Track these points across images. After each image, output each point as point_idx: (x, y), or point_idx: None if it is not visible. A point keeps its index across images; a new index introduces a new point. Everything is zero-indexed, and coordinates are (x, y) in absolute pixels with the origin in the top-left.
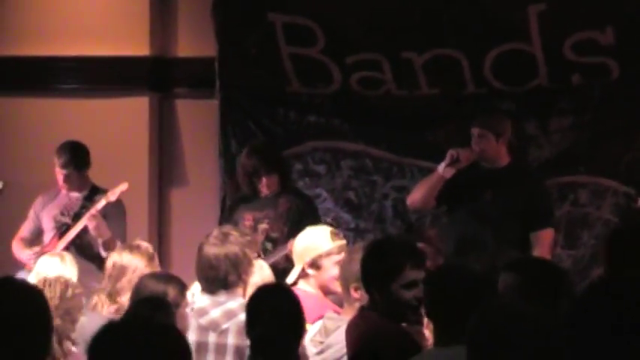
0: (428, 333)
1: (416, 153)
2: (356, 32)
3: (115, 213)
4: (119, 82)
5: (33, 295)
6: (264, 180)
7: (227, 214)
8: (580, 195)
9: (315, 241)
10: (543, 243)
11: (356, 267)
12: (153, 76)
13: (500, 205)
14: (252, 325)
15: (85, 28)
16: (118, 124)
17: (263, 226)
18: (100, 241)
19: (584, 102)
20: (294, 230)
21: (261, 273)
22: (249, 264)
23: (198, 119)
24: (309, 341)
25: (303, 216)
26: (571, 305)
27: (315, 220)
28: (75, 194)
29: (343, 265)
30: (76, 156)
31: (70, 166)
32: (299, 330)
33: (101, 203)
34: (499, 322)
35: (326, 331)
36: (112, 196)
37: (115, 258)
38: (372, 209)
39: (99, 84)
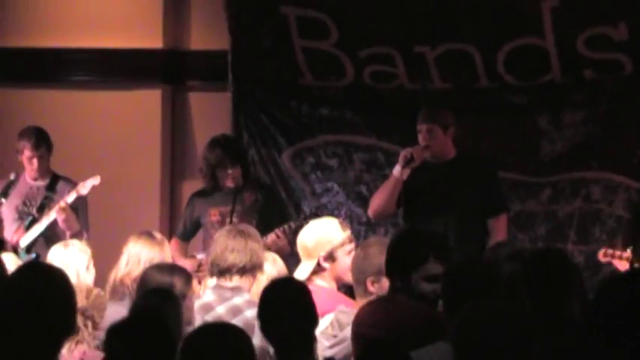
0: None
1: None
2: (369, 26)
3: (82, 205)
4: (132, 75)
5: (59, 276)
6: (229, 172)
7: (187, 211)
8: (592, 191)
9: (328, 234)
10: (501, 228)
11: (374, 260)
12: (166, 69)
13: (456, 196)
14: (273, 320)
15: (98, 20)
16: (130, 116)
17: (233, 220)
18: (68, 233)
19: (597, 96)
20: (262, 222)
21: (275, 266)
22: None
23: (210, 112)
24: (320, 334)
25: (270, 207)
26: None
27: (282, 209)
28: (35, 183)
29: (358, 259)
30: (44, 137)
31: (43, 146)
32: (315, 322)
33: (72, 196)
34: (474, 322)
35: (339, 325)
36: (83, 189)
37: (131, 248)
38: None
39: (112, 76)
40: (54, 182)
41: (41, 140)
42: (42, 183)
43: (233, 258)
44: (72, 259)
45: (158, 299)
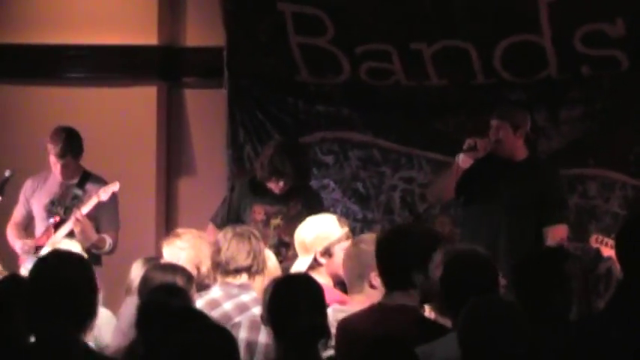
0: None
1: (424, 144)
2: (365, 22)
3: (109, 205)
4: (128, 71)
5: (82, 261)
6: (281, 184)
7: (233, 199)
8: (589, 187)
9: (326, 230)
10: (555, 238)
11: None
12: (161, 65)
13: (515, 199)
14: (289, 315)
15: (94, 16)
16: (126, 113)
17: (276, 221)
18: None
19: (594, 93)
20: None
21: (268, 262)
22: None
23: (206, 108)
24: None
25: (313, 213)
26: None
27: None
28: (65, 182)
29: (356, 256)
30: (72, 143)
31: (68, 155)
32: (327, 318)
33: (92, 202)
34: (479, 318)
35: None
36: (104, 195)
37: (170, 249)
38: (380, 200)
39: (108, 73)
40: (83, 181)
41: (66, 149)
42: (71, 182)
43: (249, 260)
44: None
45: (165, 295)
